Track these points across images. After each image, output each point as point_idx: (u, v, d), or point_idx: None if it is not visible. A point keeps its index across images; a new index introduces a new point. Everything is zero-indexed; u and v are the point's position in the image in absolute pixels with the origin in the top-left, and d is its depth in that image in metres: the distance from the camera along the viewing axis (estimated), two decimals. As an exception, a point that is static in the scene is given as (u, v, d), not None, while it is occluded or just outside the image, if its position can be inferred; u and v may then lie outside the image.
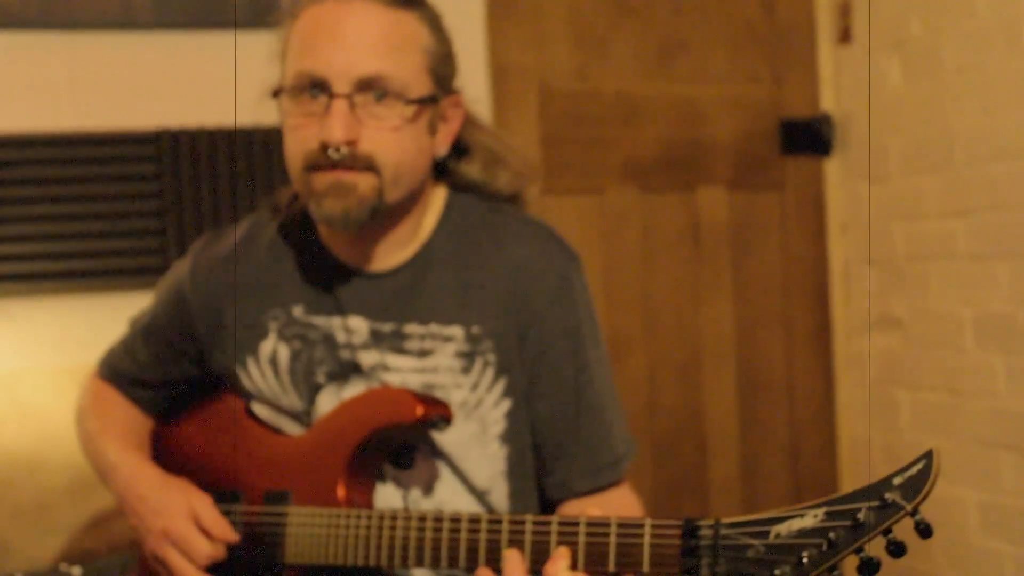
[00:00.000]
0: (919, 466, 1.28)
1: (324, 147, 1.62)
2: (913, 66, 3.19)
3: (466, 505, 1.78)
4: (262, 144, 2.87)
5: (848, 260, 3.50)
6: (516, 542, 1.49)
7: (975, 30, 2.95)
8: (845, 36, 3.44)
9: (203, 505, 1.76)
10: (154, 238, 2.89)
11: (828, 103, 3.51)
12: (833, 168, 3.51)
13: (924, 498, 1.26)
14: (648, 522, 1.41)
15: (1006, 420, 2.92)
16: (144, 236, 2.89)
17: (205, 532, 1.74)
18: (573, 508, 1.77)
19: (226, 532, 1.75)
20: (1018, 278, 2.86)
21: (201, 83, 2.93)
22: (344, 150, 1.62)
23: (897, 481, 1.28)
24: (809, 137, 3.49)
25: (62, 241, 2.85)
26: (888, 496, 1.27)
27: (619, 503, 1.78)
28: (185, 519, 1.75)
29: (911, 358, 3.26)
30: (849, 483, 3.49)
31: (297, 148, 1.67)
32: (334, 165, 1.63)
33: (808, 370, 3.54)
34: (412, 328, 1.75)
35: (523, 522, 1.49)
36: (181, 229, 2.87)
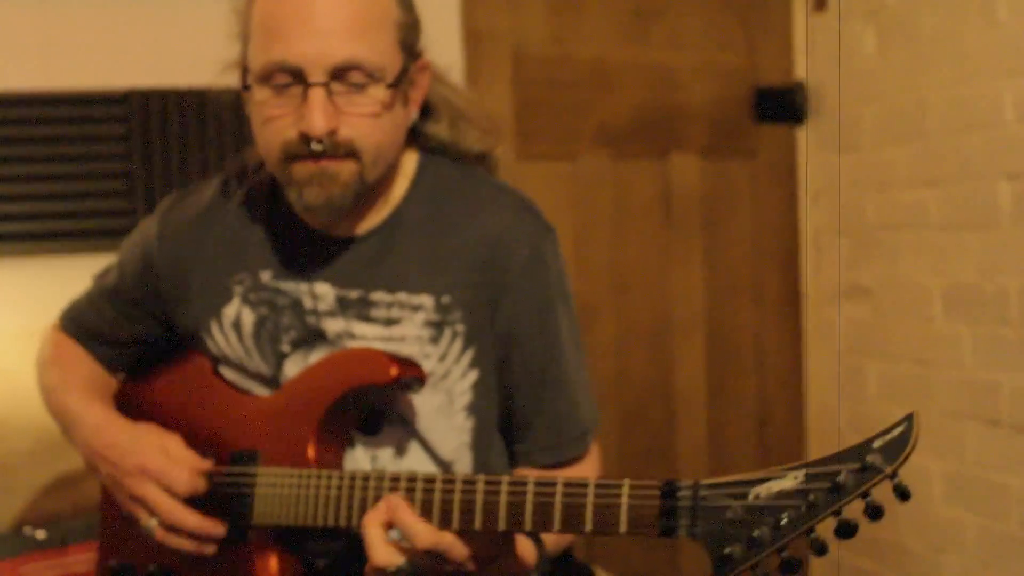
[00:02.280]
0: (900, 429, 1.28)
1: (304, 138, 1.59)
2: (887, 35, 3.19)
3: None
4: (232, 106, 2.82)
5: (819, 229, 3.52)
6: (490, 503, 1.48)
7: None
8: (820, 4, 3.44)
9: (174, 442, 1.76)
10: (122, 199, 2.87)
11: (802, 71, 3.51)
12: (806, 136, 3.52)
13: (904, 461, 1.27)
14: (627, 483, 1.40)
15: (972, 390, 2.94)
16: (112, 197, 2.87)
17: (181, 464, 1.73)
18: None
19: (201, 463, 1.74)
20: (987, 249, 2.87)
21: (170, 43, 2.91)
22: (326, 140, 1.59)
23: (877, 444, 1.28)
24: (783, 105, 3.50)
25: (29, 202, 2.83)
26: (868, 459, 1.27)
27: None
28: (160, 454, 1.73)
29: (880, 328, 3.27)
30: (816, 452, 3.44)
31: (274, 139, 1.63)
32: (315, 155, 1.60)
33: (777, 339, 3.57)
34: (379, 296, 1.73)
35: (499, 482, 1.48)
36: (149, 190, 2.85)
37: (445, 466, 1.78)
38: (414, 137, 1.80)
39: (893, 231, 3.20)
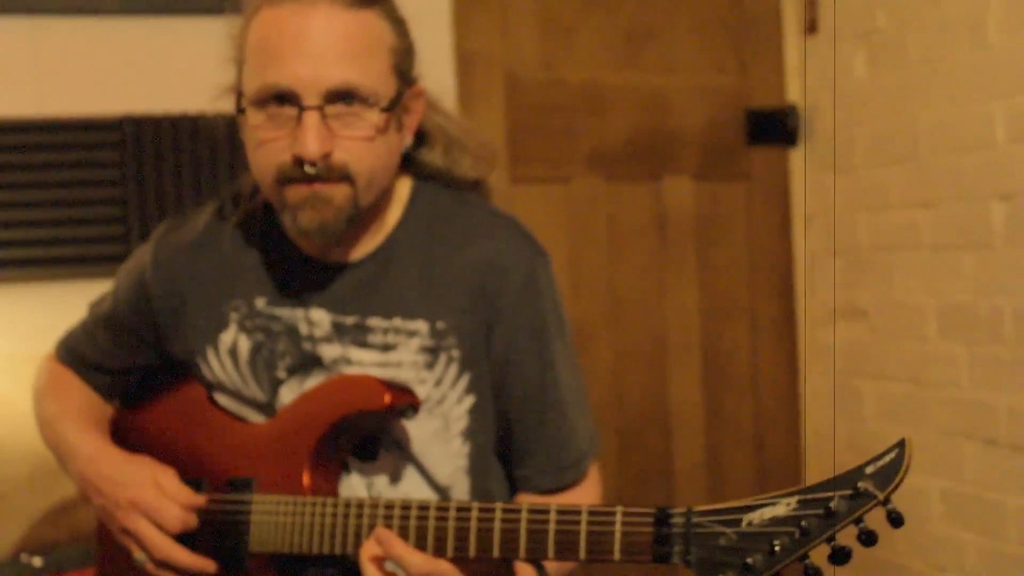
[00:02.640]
0: (892, 455, 1.28)
1: (298, 161, 1.59)
2: (879, 57, 3.20)
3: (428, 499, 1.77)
4: (226, 132, 2.84)
5: (813, 251, 3.51)
6: (485, 530, 1.49)
7: (941, 21, 2.96)
8: (811, 27, 3.44)
9: (167, 476, 1.74)
10: (117, 225, 2.87)
11: (794, 94, 3.52)
12: (799, 159, 3.52)
13: (896, 487, 1.27)
14: (620, 510, 1.40)
15: (968, 410, 2.94)
16: (106, 224, 2.87)
17: (172, 500, 1.72)
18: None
19: (193, 498, 1.73)
20: (981, 269, 2.88)
21: (165, 70, 2.91)
22: (320, 164, 1.59)
23: (869, 470, 1.28)
24: (775, 127, 3.50)
25: (23, 228, 2.83)
26: (861, 485, 1.27)
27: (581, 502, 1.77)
28: (152, 488, 1.72)
29: (875, 349, 3.27)
30: (813, 473, 3.49)
31: (268, 162, 1.63)
32: (309, 179, 1.60)
33: (773, 360, 3.56)
34: (375, 321, 1.73)
35: (492, 510, 1.48)
36: (144, 217, 2.85)
37: (442, 491, 1.77)
38: (408, 164, 1.80)
39: (887, 252, 3.20)
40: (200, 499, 1.74)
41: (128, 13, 2.89)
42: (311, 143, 1.57)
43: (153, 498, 1.72)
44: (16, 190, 2.81)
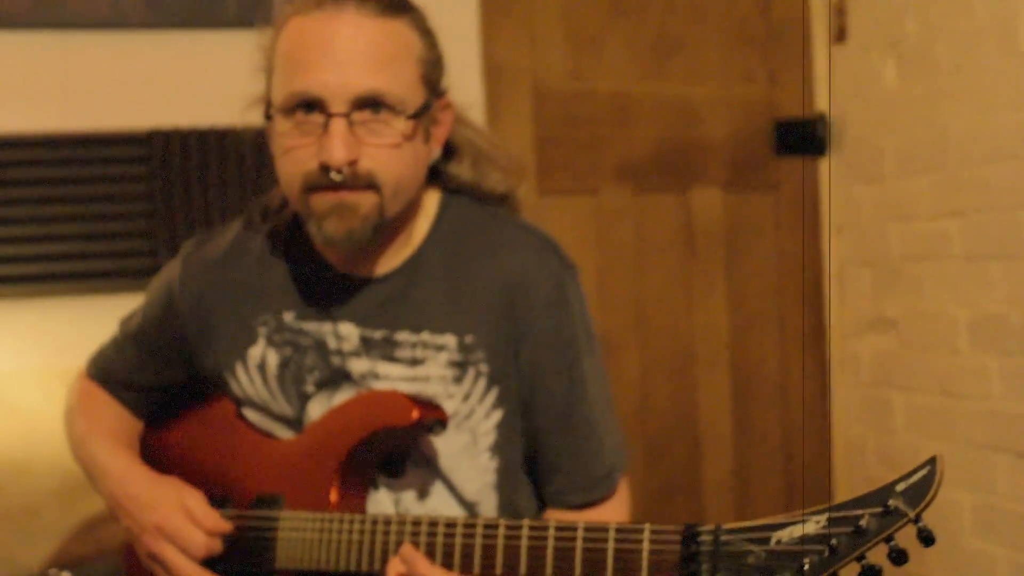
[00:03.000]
0: (923, 472, 1.27)
1: (324, 168, 1.58)
2: (908, 66, 3.18)
3: (455, 515, 1.75)
4: (253, 145, 2.85)
5: (842, 261, 3.49)
6: (512, 547, 1.48)
7: (971, 30, 2.94)
8: (840, 35, 3.43)
9: (194, 499, 1.75)
10: (144, 240, 2.88)
11: (823, 103, 3.50)
12: (828, 168, 3.50)
13: (927, 505, 1.25)
14: (647, 527, 1.39)
15: (1000, 422, 2.91)
16: (134, 238, 2.88)
17: (198, 525, 1.72)
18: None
19: (219, 524, 1.73)
20: (1012, 279, 2.85)
21: (192, 83, 2.92)
22: (346, 171, 1.58)
23: (900, 487, 1.26)
24: (804, 137, 3.49)
25: (52, 243, 2.84)
26: (891, 503, 1.26)
27: (610, 518, 1.75)
28: (178, 512, 1.73)
29: (905, 360, 3.25)
30: (843, 485, 3.49)
31: (295, 170, 1.62)
32: (335, 186, 1.60)
33: (802, 372, 3.53)
34: (404, 336, 1.72)
35: (519, 527, 1.48)
36: (171, 231, 2.85)
37: (470, 507, 1.76)
38: (437, 177, 1.80)
39: (917, 262, 3.18)
40: (227, 525, 1.74)
41: (155, 27, 2.90)
42: (337, 150, 1.57)
43: (179, 523, 1.72)
44: (44, 204, 2.83)
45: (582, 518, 1.67)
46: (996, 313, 2.91)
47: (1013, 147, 2.82)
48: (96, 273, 2.86)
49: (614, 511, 1.77)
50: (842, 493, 3.48)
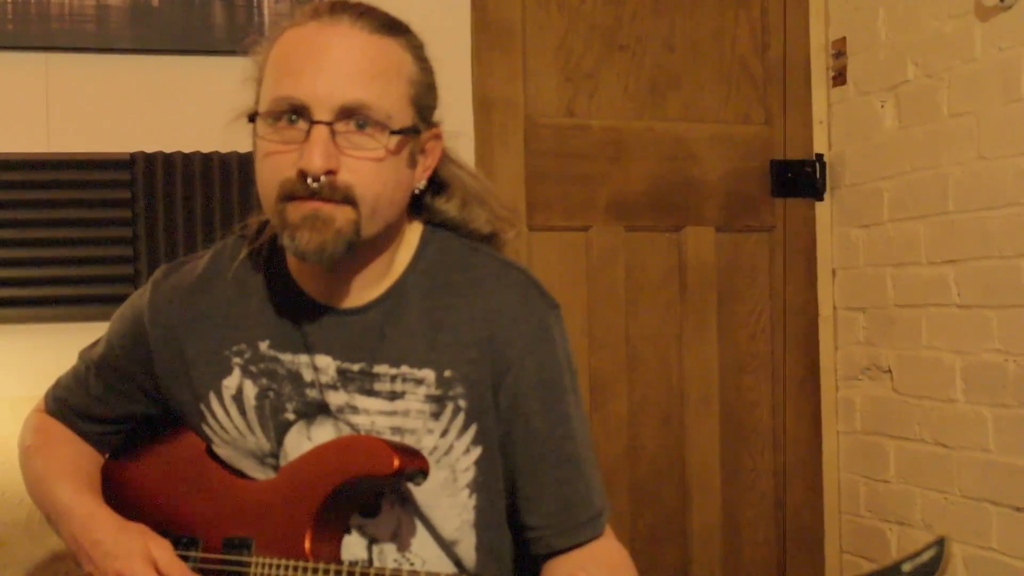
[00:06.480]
0: (931, 552, 1.24)
1: (302, 175, 1.56)
2: (907, 110, 3.17)
3: (433, 556, 1.72)
4: (237, 170, 2.84)
5: (838, 305, 3.48)
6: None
7: (971, 75, 2.94)
8: (839, 78, 3.43)
9: (160, 549, 1.70)
10: (127, 264, 2.84)
11: (821, 145, 3.48)
12: (824, 211, 3.49)
13: (936, 587, 1.21)
14: None
15: (995, 473, 2.89)
16: (117, 263, 2.84)
17: None
18: (561, 566, 1.71)
19: (184, 574, 1.69)
20: (1010, 328, 2.84)
21: (177, 108, 2.91)
22: (323, 179, 1.56)
23: (907, 567, 1.24)
24: (801, 179, 3.48)
25: (33, 267, 2.81)
26: (898, 584, 1.22)
27: (605, 556, 1.73)
28: (142, 562, 1.68)
29: (900, 407, 3.23)
30: (833, 533, 3.46)
31: (272, 176, 1.60)
32: (311, 195, 1.57)
33: (795, 417, 3.51)
34: (382, 369, 1.69)
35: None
36: (154, 256, 2.82)
37: (448, 546, 1.73)
38: (422, 211, 1.78)
39: (913, 308, 3.16)
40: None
41: (140, 51, 2.90)
42: (316, 156, 1.55)
43: (143, 573, 1.68)
44: (24, 228, 2.79)
45: (576, 561, 1.67)
46: (991, 362, 2.89)
47: (1013, 194, 2.81)
48: (78, 299, 2.82)
49: (607, 549, 1.74)
50: (833, 542, 3.45)
